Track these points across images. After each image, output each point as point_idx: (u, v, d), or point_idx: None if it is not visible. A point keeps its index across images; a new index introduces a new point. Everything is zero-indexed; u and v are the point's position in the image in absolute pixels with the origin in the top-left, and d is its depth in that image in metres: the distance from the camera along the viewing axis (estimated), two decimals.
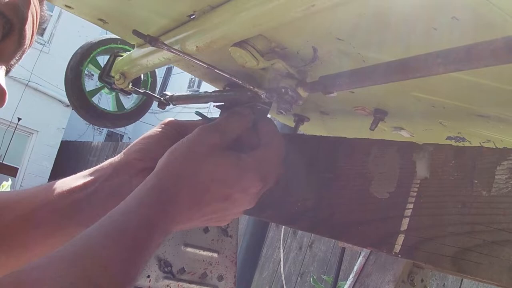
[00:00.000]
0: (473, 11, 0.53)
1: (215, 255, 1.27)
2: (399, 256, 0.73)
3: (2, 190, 2.91)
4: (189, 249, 1.23)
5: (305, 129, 1.28)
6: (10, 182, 2.86)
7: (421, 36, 0.62)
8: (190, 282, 1.23)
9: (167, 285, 1.20)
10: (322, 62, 0.80)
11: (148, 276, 1.18)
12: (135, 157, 0.86)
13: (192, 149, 0.73)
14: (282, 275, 3.22)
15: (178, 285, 1.21)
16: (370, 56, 0.73)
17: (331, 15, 0.65)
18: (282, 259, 3.24)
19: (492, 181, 0.64)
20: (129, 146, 0.89)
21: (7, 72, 0.72)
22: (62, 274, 0.55)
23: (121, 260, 0.61)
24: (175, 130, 0.88)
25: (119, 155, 0.88)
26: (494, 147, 0.66)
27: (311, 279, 4.16)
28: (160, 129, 0.88)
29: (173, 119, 0.91)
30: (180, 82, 18.46)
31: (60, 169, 14.29)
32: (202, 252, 1.25)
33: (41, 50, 13.23)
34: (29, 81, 13.15)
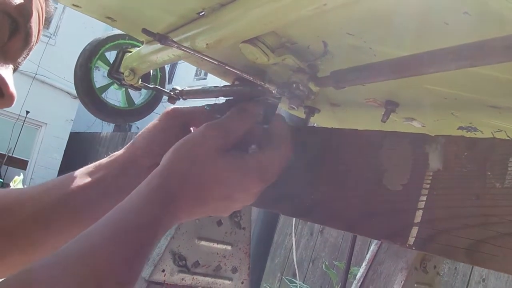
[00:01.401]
0: (485, 6, 0.52)
1: (229, 247, 1.28)
2: (413, 248, 0.73)
3: (15, 184, 2.93)
4: (203, 243, 1.24)
5: (316, 120, 1.28)
6: (22, 176, 2.87)
7: (432, 31, 0.62)
8: (205, 275, 1.24)
9: (182, 279, 1.21)
10: (333, 56, 0.80)
11: (163, 271, 1.19)
12: (141, 154, 0.87)
13: (196, 149, 0.75)
14: (294, 261, 3.23)
15: (193, 278, 1.23)
16: (381, 50, 0.73)
17: (342, 12, 0.64)
18: (293, 245, 3.25)
19: (505, 172, 0.64)
20: (134, 139, 0.89)
21: (14, 70, 0.72)
22: (70, 274, 0.56)
23: (127, 259, 0.62)
24: (180, 120, 0.88)
25: (125, 148, 0.88)
26: (507, 138, 0.66)
27: (323, 266, 4.17)
28: (165, 121, 0.88)
29: (178, 107, 0.91)
30: (187, 69, 18.45)
31: (69, 161, 14.38)
32: (216, 245, 1.26)
33: (47, 43, 13.22)
34: (36, 74, 13.17)
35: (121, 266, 0.61)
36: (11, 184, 2.95)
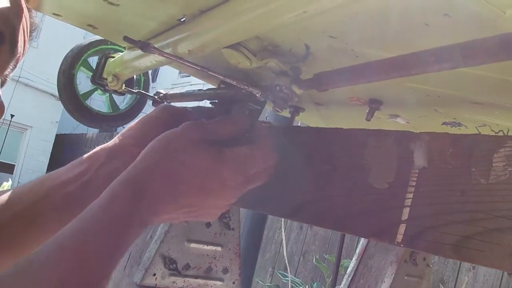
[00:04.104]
0: (465, 8, 0.53)
1: (219, 248, 1.28)
2: (401, 245, 0.73)
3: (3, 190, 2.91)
4: (192, 245, 1.24)
5: (301, 118, 1.29)
6: (10, 182, 2.86)
7: (413, 33, 0.62)
8: (196, 277, 1.24)
9: (174, 282, 1.21)
10: (315, 58, 0.80)
11: (154, 275, 1.19)
12: (129, 143, 0.84)
13: (173, 141, 0.72)
14: (285, 256, 3.23)
15: (184, 281, 1.23)
16: (363, 51, 0.73)
17: (323, 16, 0.64)
18: (283, 239, 3.25)
19: (490, 168, 0.65)
20: (123, 131, 0.87)
21: (2, 82, 0.71)
22: (39, 280, 0.56)
23: (97, 259, 0.61)
24: (170, 116, 0.86)
25: (112, 140, 0.86)
26: (490, 134, 0.66)
27: (314, 259, 4.19)
28: (155, 115, 0.86)
29: (169, 104, 0.89)
30: (171, 67, 18.33)
31: (56, 163, 14.20)
32: (205, 247, 1.26)
33: (29, 46, 13.10)
34: (19, 77, 13.05)
35: (90, 266, 0.60)
36: None
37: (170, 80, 15.71)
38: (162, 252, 1.20)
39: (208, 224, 1.27)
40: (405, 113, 1.01)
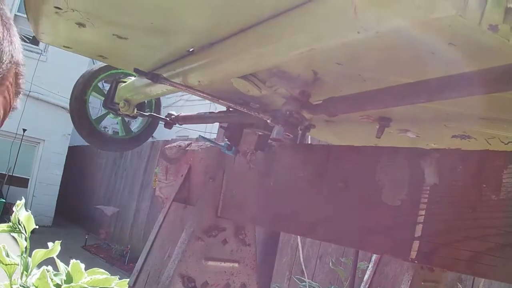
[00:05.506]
0: (469, 37, 0.53)
1: (236, 265, 1.29)
2: (416, 262, 0.74)
3: (18, 208, 2.93)
4: (210, 263, 1.25)
5: (313, 134, 1.29)
6: (23, 200, 2.88)
7: (419, 61, 0.63)
8: None
9: None
10: (323, 82, 0.81)
11: None
12: None
13: None
14: (301, 260, 3.21)
15: None
16: (370, 76, 0.74)
17: (330, 47, 0.65)
18: (299, 243, 3.24)
19: (500, 184, 0.65)
20: None
21: None
22: None
23: None
24: None
25: None
26: (499, 150, 0.67)
27: (330, 263, 4.17)
28: None
29: None
30: None
31: (70, 175, 14.37)
32: (223, 264, 1.27)
33: (38, 59, 13.15)
34: (30, 92, 13.11)
35: None
36: (14, 208, 2.95)
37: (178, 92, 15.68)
38: (180, 271, 1.21)
39: (225, 242, 1.28)
40: (415, 127, 1.01)
